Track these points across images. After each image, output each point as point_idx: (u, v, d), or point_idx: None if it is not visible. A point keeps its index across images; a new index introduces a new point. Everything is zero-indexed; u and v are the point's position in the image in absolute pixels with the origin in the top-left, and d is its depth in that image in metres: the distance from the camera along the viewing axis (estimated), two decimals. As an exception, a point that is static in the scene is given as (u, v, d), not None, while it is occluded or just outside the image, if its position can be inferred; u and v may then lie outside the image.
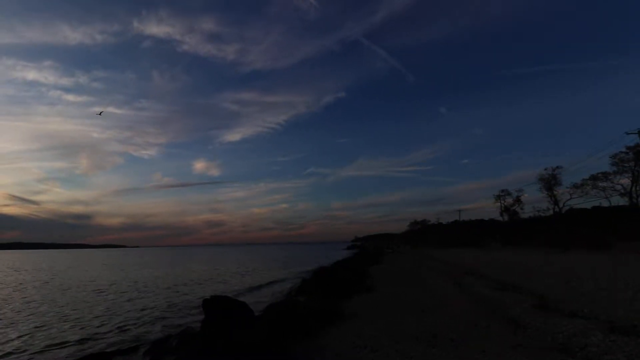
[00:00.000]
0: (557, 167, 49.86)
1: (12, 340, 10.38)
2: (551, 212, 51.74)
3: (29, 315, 14.12)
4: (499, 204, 62.48)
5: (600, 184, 45.19)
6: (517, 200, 59.46)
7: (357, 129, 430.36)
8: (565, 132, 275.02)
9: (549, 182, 50.22)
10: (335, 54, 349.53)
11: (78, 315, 13.88)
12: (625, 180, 42.17)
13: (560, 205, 50.57)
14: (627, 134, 37.70)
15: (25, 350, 9.34)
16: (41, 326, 12.10)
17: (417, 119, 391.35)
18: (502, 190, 61.49)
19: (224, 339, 7.39)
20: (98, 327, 11.98)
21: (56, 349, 9.53)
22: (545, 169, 50.98)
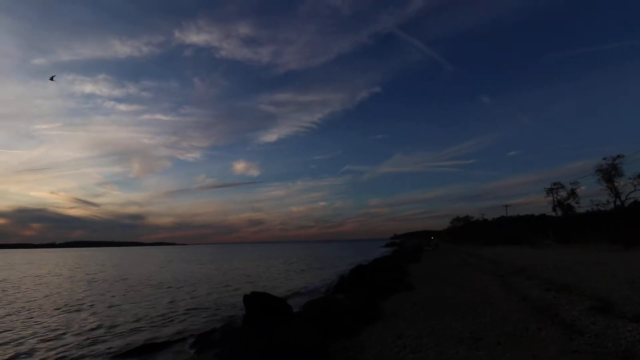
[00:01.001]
0: (618, 156, 45.04)
1: (74, 330, 11.46)
2: (612, 205, 46.99)
3: (89, 307, 15.51)
4: (551, 197, 57.81)
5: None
6: (572, 193, 54.65)
7: (394, 124, 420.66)
8: (626, 117, 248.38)
9: (609, 173, 45.56)
10: (369, 48, 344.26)
11: (137, 308, 15.00)
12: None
13: (623, 198, 45.81)
14: None
15: (85, 339, 10.26)
16: (104, 316, 13.23)
17: (457, 110, 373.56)
18: (555, 183, 56.77)
19: (263, 335, 7.57)
20: (152, 318, 12.87)
21: (116, 338, 10.37)
22: (604, 159, 46.32)
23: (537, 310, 9.16)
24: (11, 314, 14.08)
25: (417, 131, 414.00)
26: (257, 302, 10.28)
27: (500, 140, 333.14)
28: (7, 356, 8.79)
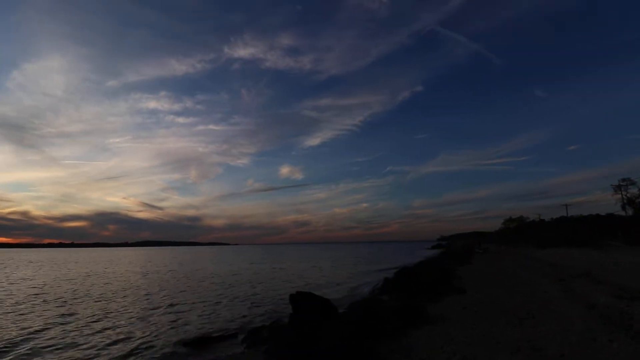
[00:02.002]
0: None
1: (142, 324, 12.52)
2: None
3: (147, 301, 16.85)
4: (620, 195, 51.94)
5: None
6: (644, 189, 48.67)
7: (437, 122, 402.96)
8: None
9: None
10: (410, 48, 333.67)
11: (193, 302, 16.04)
12: None
13: None
14: None
15: (147, 333, 11.17)
16: (163, 312, 14.34)
17: (507, 105, 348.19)
18: (624, 180, 50.86)
19: (310, 335, 7.71)
20: (206, 312, 13.69)
21: (172, 330, 11.18)
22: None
23: (607, 320, 8.29)
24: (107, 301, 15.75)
25: (463, 128, 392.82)
26: (302, 301, 10.49)
27: (557, 134, 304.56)
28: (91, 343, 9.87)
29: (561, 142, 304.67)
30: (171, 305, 15.70)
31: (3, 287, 22.24)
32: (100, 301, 16.81)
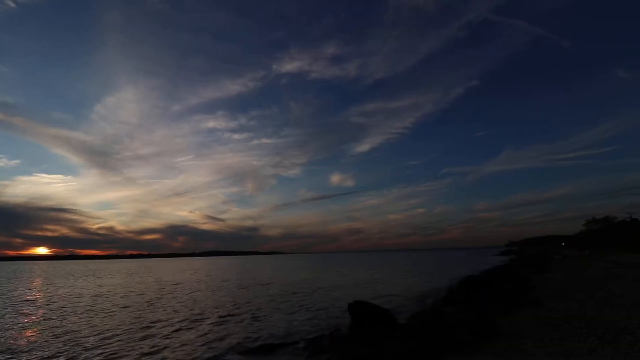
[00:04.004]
0: None
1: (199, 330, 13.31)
2: None
3: (219, 307, 17.87)
4: None
5: None
6: None
7: (498, 117, 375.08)
8: None
9: None
10: (461, 41, 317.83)
11: (257, 310, 16.71)
12: None
13: None
14: None
15: (210, 339, 11.81)
16: (230, 318, 15.13)
17: (582, 91, 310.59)
18: None
19: (372, 346, 7.53)
20: (268, 320, 14.14)
21: (234, 336, 11.70)
22: None
23: None
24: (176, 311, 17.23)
25: (529, 121, 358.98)
26: (361, 311, 10.32)
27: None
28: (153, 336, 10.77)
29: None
30: (234, 313, 16.48)
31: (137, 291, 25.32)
32: (177, 310, 18.28)
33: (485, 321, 9.16)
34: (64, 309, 18.57)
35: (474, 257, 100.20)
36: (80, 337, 12.01)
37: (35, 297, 24.68)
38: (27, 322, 15.13)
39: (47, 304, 20.46)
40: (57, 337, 12.12)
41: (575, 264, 38.82)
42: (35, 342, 11.55)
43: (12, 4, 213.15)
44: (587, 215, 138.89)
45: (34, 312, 17.59)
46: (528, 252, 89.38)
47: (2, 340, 11.87)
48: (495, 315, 10.75)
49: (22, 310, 18.39)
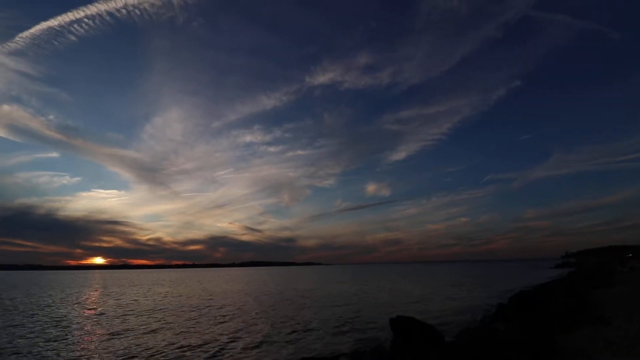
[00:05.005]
0: None
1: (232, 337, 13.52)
2: None
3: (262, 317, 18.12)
4: None
5: None
6: None
7: (545, 118, 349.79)
8: None
9: None
10: (499, 41, 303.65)
11: (294, 322, 16.75)
12: None
13: None
14: None
15: (242, 347, 11.94)
16: (271, 327, 15.29)
17: (638, 84, 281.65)
18: None
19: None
20: (310, 334, 14.09)
21: (273, 347, 11.75)
22: None
23: None
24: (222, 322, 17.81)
25: (579, 121, 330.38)
26: (404, 326, 9.95)
27: None
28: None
29: None
30: (278, 327, 16.59)
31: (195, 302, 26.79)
32: (224, 322, 18.82)
33: (542, 339, 8.41)
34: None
35: (525, 269, 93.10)
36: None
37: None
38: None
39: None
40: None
41: (647, 277, 34.67)
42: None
43: (74, 38, 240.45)
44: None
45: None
46: (587, 264, 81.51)
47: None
48: (552, 333, 9.84)
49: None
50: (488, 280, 51.26)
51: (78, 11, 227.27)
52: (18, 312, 21.94)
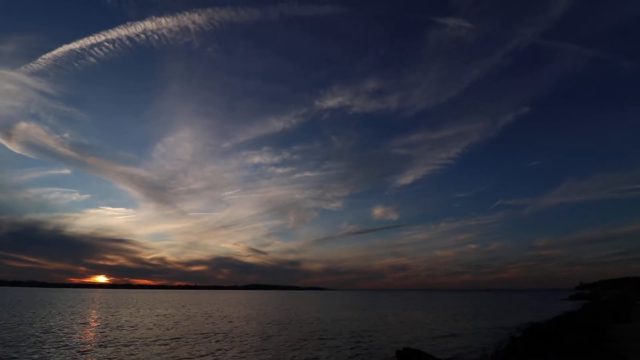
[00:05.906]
0: None
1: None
2: None
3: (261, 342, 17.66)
4: None
5: None
6: None
7: (555, 145, 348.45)
8: None
9: None
10: (507, 68, 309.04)
11: (295, 350, 16.28)
12: None
13: None
14: None
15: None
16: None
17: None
18: None
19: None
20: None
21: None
22: None
23: None
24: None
25: (593, 147, 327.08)
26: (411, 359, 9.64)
27: None
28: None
29: None
30: (281, 353, 16.17)
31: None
32: (232, 341, 18.44)
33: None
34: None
35: (537, 300, 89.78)
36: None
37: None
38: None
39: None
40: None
41: (667, 313, 33.24)
42: None
43: (94, 60, 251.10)
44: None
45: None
46: (603, 296, 78.47)
47: None
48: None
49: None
50: (499, 311, 49.48)
51: (100, 35, 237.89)
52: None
